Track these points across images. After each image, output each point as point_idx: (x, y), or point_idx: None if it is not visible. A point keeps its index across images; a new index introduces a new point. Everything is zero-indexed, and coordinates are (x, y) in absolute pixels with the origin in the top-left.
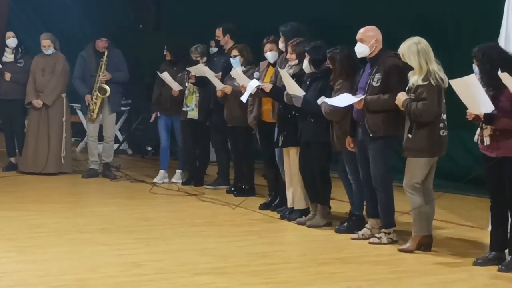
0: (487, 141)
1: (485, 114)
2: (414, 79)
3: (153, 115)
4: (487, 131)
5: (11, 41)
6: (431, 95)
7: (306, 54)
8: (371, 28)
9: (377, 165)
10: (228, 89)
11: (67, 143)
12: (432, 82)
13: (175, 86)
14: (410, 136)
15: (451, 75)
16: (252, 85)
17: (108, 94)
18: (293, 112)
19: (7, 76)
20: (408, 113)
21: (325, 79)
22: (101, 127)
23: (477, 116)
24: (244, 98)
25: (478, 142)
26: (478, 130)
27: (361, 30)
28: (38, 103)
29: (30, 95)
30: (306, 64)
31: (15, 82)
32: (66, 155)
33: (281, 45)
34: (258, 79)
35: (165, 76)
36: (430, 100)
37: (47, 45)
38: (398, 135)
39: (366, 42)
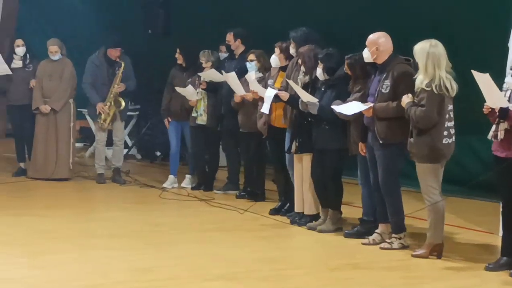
0: (501, 135)
1: (500, 108)
2: (419, 80)
3: (166, 121)
4: (503, 125)
5: (20, 49)
6: (430, 103)
7: (319, 62)
8: (376, 35)
9: (385, 172)
10: (249, 96)
11: (73, 149)
12: (435, 90)
13: (193, 97)
14: (411, 140)
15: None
16: (270, 95)
17: (122, 107)
18: (309, 119)
19: (32, 83)
20: (408, 116)
21: (339, 86)
22: (110, 132)
23: (493, 110)
24: (265, 110)
25: (491, 139)
26: (493, 126)
27: (369, 36)
28: (45, 108)
29: (38, 100)
30: (320, 72)
31: (25, 88)
32: (74, 161)
33: (291, 50)
34: (272, 86)
35: (188, 89)
36: (428, 107)
37: (54, 51)
38: (406, 141)
39: (368, 48)
